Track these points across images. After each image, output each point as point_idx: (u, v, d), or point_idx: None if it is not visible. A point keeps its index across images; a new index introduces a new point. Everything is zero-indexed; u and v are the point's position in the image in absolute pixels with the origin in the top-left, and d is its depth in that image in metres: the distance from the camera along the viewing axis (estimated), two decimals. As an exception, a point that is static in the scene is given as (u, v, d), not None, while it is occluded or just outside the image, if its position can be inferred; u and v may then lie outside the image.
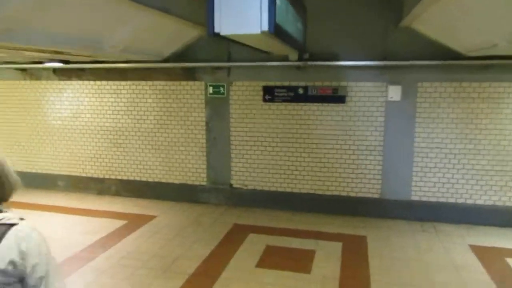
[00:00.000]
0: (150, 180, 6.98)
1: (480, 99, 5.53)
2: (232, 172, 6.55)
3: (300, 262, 4.59)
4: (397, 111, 5.78)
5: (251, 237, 5.32)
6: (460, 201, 5.78)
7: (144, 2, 3.88)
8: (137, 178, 7.04)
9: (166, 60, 6.30)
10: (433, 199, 5.86)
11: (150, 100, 6.76)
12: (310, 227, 5.64)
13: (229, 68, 6.30)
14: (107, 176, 7.21)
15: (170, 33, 5.50)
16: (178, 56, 6.32)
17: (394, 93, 5.73)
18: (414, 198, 5.92)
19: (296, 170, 6.26)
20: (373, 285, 4.09)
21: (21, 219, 1.46)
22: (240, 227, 5.68)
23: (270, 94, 6.15)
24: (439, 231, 5.51)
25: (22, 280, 1.40)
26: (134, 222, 5.87)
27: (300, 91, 6.03)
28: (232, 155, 6.51)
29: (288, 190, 6.34)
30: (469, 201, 5.76)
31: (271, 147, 6.31)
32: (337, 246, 5.03)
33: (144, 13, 4.29)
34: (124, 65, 6.46)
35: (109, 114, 7.01)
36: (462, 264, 4.54)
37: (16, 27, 3.42)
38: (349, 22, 5.70)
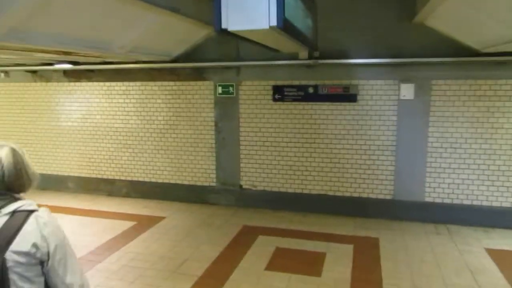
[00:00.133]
0: (159, 181, 6.95)
1: (496, 97, 5.36)
2: (242, 173, 6.48)
3: (310, 264, 4.49)
4: (410, 109, 5.64)
5: (261, 239, 5.24)
6: (475, 203, 5.61)
7: (152, 2, 3.84)
8: (147, 179, 7.02)
9: (175, 61, 6.27)
10: (447, 201, 5.70)
11: (159, 101, 6.73)
12: (320, 229, 5.53)
13: (238, 68, 6.24)
14: (117, 178, 7.20)
15: (179, 33, 5.46)
16: (187, 57, 6.28)
17: (407, 91, 5.59)
18: (428, 199, 5.77)
19: (306, 170, 6.16)
20: (386, 289, 3.97)
21: (39, 206, 1.56)
22: (249, 229, 5.60)
23: (279, 93, 6.07)
24: (454, 233, 5.36)
25: (42, 262, 1.49)
26: (144, 223, 5.84)
27: (310, 90, 5.94)
28: (242, 156, 6.44)
29: (298, 191, 6.24)
30: (485, 203, 5.58)
31: (281, 147, 6.22)
32: (349, 248, 4.92)
33: (153, 13, 4.25)
34: (133, 65, 6.44)
35: (119, 115, 7.00)
36: (478, 268, 4.38)
37: (22, 27, 3.41)
38: (360, 19, 5.59)
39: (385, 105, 5.75)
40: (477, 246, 4.95)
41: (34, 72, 7.28)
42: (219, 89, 6.33)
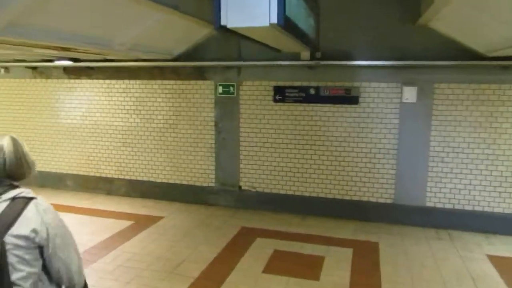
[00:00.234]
0: (158, 180, 6.89)
1: (500, 101, 5.29)
2: (241, 174, 6.42)
3: (308, 268, 4.43)
4: (412, 113, 5.58)
5: (259, 241, 5.17)
6: (477, 208, 5.54)
7: (152, -1, 3.79)
8: (146, 179, 6.96)
9: (176, 59, 6.22)
10: (448, 206, 5.63)
11: (159, 100, 6.68)
12: (319, 232, 5.46)
13: (239, 68, 6.19)
14: (116, 176, 7.15)
15: (180, 32, 5.41)
16: (188, 56, 6.23)
17: (409, 94, 5.53)
18: (429, 204, 5.69)
19: (307, 172, 6.10)
20: (385, 294, 3.90)
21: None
22: (248, 231, 5.54)
23: (280, 94, 6.01)
24: (455, 239, 5.28)
25: (41, 247, 1.55)
26: (141, 223, 5.78)
27: (312, 91, 5.88)
28: (241, 157, 6.38)
29: (298, 193, 6.17)
30: (487, 209, 5.51)
31: (281, 148, 6.16)
32: (348, 252, 4.85)
33: (153, 9, 4.20)
34: (134, 63, 6.40)
35: (118, 113, 6.96)
36: (479, 275, 4.31)
37: (21, 22, 3.36)
38: (363, 20, 5.53)
39: (387, 108, 5.68)
40: (478, 252, 4.88)
41: (34, 68, 7.24)
42: (220, 89, 6.27)
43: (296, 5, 2.98)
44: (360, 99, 5.73)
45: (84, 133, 7.22)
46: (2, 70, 7.41)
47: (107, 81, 6.94)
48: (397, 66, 5.52)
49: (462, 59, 5.18)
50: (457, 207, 5.60)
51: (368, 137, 5.78)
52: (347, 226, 5.67)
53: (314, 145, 6.01)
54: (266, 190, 6.32)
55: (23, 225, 1.50)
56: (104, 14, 4.05)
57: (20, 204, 1.53)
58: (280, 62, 5.81)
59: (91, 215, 6.09)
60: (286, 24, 2.58)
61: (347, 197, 5.97)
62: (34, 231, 1.52)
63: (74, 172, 7.40)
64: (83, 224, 5.68)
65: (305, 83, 5.93)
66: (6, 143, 1.59)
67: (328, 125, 5.92)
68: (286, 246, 5.01)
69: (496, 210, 5.46)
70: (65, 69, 7.08)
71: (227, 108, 6.33)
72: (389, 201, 5.83)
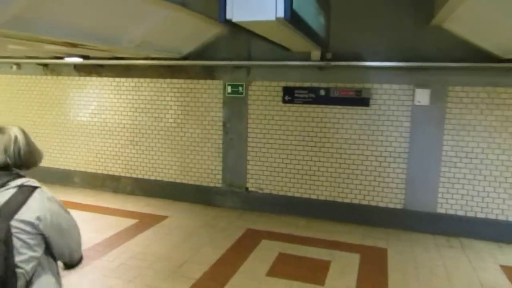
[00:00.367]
0: (165, 180, 6.85)
1: (516, 106, 5.12)
2: (248, 175, 6.34)
3: (313, 272, 4.31)
4: (425, 116, 5.43)
5: (264, 243, 5.08)
6: (490, 216, 5.35)
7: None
8: (152, 178, 6.93)
9: (185, 58, 6.18)
10: (461, 213, 5.46)
11: (168, 98, 6.65)
12: (326, 236, 5.34)
13: (248, 68, 6.12)
14: (123, 174, 7.13)
15: (188, 30, 5.36)
16: (197, 55, 6.19)
17: (422, 97, 5.39)
18: (440, 210, 5.53)
19: (315, 175, 5.99)
20: (392, 302, 3.77)
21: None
22: (253, 232, 5.45)
23: (290, 95, 5.92)
24: (467, 247, 5.11)
25: (44, 233, 1.63)
26: (146, 221, 5.74)
27: (322, 92, 5.77)
28: (249, 157, 6.30)
29: (306, 196, 6.06)
30: (501, 217, 5.32)
31: (289, 150, 6.06)
32: (355, 257, 4.72)
33: (162, 7, 4.16)
34: (143, 62, 6.38)
35: (127, 112, 6.94)
36: (491, 286, 4.14)
37: (27, 15, 3.34)
38: (375, 21, 5.41)
39: (398, 111, 5.55)
40: (491, 262, 4.70)
41: (45, 65, 7.28)
42: (229, 89, 6.21)
43: (305, 0, 2.89)
44: (371, 101, 5.61)
45: (93, 131, 7.23)
46: (14, 67, 7.48)
47: (117, 79, 6.93)
48: (409, 68, 5.38)
49: (477, 61, 5.02)
50: (469, 214, 5.42)
51: (379, 140, 5.65)
52: (355, 231, 5.54)
53: (323, 147, 5.90)
54: (273, 192, 6.22)
55: (29, 212, 1.58)
56: (111, 10, 4.02)
57: (26, 192, 1.61)
58: (290, 62, 5.72)
59: (96, 212, 6.07)
60: (293, 18, 2.49)
61: (356, 201, 5.84)
62: (38, 218, 1.59)
63: (82, 169, 7.41)
64: (88, 221, 5.65)
65: (315, 84, 5.83)
66: (18, 133, 1.69)
67: (337, 127, 5.80)
68: (292, 249, 4.90)
69: (510, 218, 5.27)
70: (76, 67, 7.11)
71: (235, 108, 6.26)
72: (398, 206, 5.68)
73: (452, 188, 5.45)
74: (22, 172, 1.70)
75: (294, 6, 2.47)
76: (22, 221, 1.57)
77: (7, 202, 1.57)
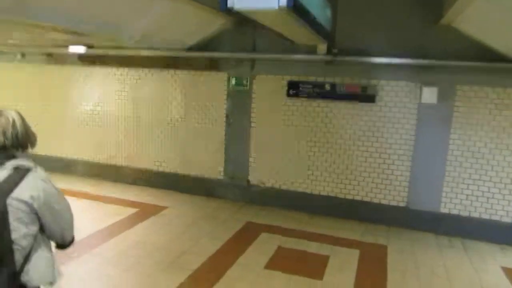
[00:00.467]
0: (166, 170, 6.83)
1: (526, 107, 5.02)
2: (250, 168, 6.30)
3: (312, 267, 4.28)
4: (431, 114, 5.34)
5: (264, 236, 5.05)
6: (494, 217, 5.27)
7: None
8: (154, 168, 6.91)
9: (189, 50, 6.13)
10: (464, 213, 5.37)
11: (171, 89, 6.62)
12: (326, 231, 5.29)
13: (253, 61, 6.06)
14: (124, 164, 7.13)
15: (192, 21, 5.29)
16: (202, 47, 6.12)
17: (429, 95, 5.30)
18: (443, 210, 5.45)
19: (317, 170, 5.93)
20: (391, 300, 3.72)
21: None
22: (253, 225, 5.42)
23: (294, 89, 5.85)
24: (469, 248, 5.04)
25: (38, 212, 1.72)
26: (146, 211, 5.73)
27: (327, 87, 5.70)
28: (251, 151, 6.25)
29: (308, 190, 6.01)
30: (505, 219, 5.23)
31: (292, 144, 6.01)
32: (354, 253, 4.67)
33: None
34: (147, 52, 6.34)
35: (130, 102, 6.92)
36: None
37: (28, 2, 3.30)
38: (384, 17, 5.31)
39: (404, 108, 5.46)
40: (493, 264, 4.63)
41: (49, 54, 7.27)
42: (233, 81, 6.16)
43: (310, -10, 2.83)
44: (377, 98, 5.53)
45: (96, 120, 7.22)
46: (19, 55, 7.47)
47: (120, 69, 6.91)
48: (417, 65, 5.29)
49: (487, 60, 4.92)
50: (473, 215, 5.34)
51: (384, 137, 5.58)
52: (355, 227, 5.49)
53: (327, 142, 5.84)
54: (275, 186, 6.18)
55: (24, 191, 1.66)
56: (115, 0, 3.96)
57: (22, 172, 1.69)
58: (295, 56, 5.65)
59: (96, 201, 6.07)
60: (296, 8, 2.44)
61: (358, 198, 5.78)
62: (32, 197, 1.68)
63: (84, 159, 7.41)
64: (88, 210, 5.66)
65: (320, 79, 5.75)
66: (15, 116, 1.78)
67: (342, 123, 5.73)
68: (291, 243, 4.87)
69: (515, 220, 5.18)
70: (80, 56, 7.08)
71: (239, 101, 6.22)
72: (401, 204, 5.61)
73: (457, 188, 5.37)
74: (18, 153, 1.77)
75: (298, -6, 2.42)
76: (18, 200, 1.65)
77: (4, 181, 1.65)
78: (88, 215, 5.45)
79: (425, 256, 4.73)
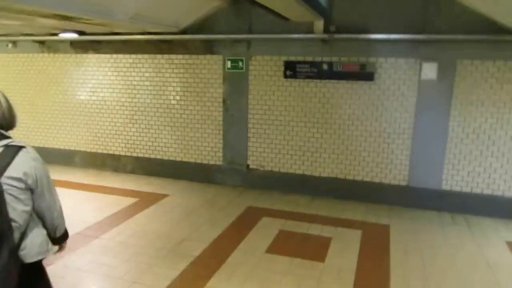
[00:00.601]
0: (165, 158, 6.76)
1: (528, 79, 4.91)
2: (249, 152, 6.23)
3: (314, 249, 4.24)
4: (432, 91, 5.24)
5: (265, 220, 5.01)
6: (497, 193, 5.23)
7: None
8: (152, 156, 6.84)
9: (183, 32, 5.99)
10: (466, 190, 5.33)
11: (166, 75, 6.49)
12: (328, 213, 5.26)
13: (249, 41, 5.92)
14: (122, 153, 7.05)
15: (187, 1, 5.14)
16: (196, 29, 5.99)
17: (429, 70, 5.18)
18: (445, 187, 5.41)
19: (317, 152, 5.86)
20: (393, 280, 3.68)
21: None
22: (254, 210, 5.38)
23: (291, 69, 5.73)
24: (472, 225, 5.01)
25: (31, 189, 1.81)
26: (146, 200, 5.68)
27: (325, 67, 5.58)
28: (250, 135, 6.17)
29: (308, 173, 5.96)
30: (507, 194, 5.20)
31: (291, 126, 5.92)
32: (356, 234, 4.64)
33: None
34: (141, 36, 6.20)
35: (125, 89, 6.80)
36: (497, 263, 4.04)
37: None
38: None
39: (404, 85, 5.36)
40: (496, 239, 4.60)
41: (41, 42, 7.11)
42: (228, 64, 6.03)
43: (303, -38, 2.70)
44: (376, 76, 5.42)
45: (92, 109, 7.11)
46: (10, 45, 7.31)
47: (114, 56, 6.76)
48: (416, 41, 5.17)
49: (488, 33, 4.80)
50: (475, 191, 5.30)
51: (383, 116, 5.49)
52: (357, 208, 5.45)
53: (326, 123, 5.75)
54: (275, 170, 6.12)
55: (16, 169, 1.73)
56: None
57: (12, 151, 1.74)
58: (292, 35, 5.52)
59: (96, 191, 6.02)
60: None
61: (359, 178, 5.73)
62: (25, 174, 1.75)
63: (82, 149, 7.33)
64: (88, 201, 5.62)
65: (317, 58, 5.63)
66: (1, 97, 1.82)
67: (341, 103, 5.64)
68: (292, 226, 4.83)
69: (518, 195, 5.14)
70: (72, 43, 6.94)
71: (235, 84, 6.10)
72: (402, 183, 5.57)
73: (458, 165, 5.32)
74: (6, 133, 1.82)
75: (291, -34, 2.29)
76: (12, 178, 1.72)
77: None
78: (89, 205, 5.41)
79: (428, 234, 4.70)
